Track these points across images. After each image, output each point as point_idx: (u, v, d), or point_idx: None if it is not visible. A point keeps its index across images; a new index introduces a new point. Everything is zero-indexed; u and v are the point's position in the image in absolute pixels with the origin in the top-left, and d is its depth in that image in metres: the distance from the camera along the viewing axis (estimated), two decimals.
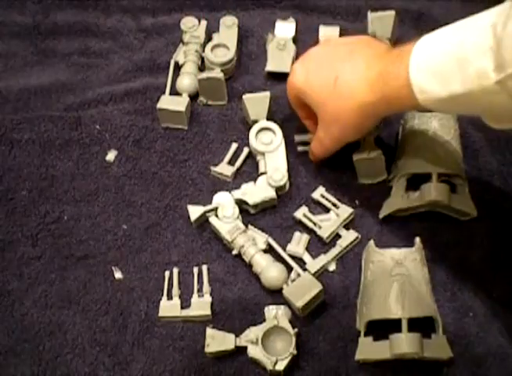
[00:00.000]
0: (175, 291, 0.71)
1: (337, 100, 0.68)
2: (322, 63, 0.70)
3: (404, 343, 0.62)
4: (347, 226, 0.74)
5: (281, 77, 0.84)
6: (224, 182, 0.78)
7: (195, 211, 0.74)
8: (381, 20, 0.84)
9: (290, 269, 0.70)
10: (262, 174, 0.76)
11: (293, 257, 0.72)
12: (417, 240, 0.70)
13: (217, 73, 0.81)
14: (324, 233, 0.73)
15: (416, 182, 0.73)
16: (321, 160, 0.77)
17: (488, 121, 0.61)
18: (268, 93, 0.78)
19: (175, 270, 0.72)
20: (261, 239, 0.72)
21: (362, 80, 0.65)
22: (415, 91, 0.59)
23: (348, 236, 0.73)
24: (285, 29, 0.87)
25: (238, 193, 0.74)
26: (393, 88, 0.62)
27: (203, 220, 0.74)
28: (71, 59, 0.89)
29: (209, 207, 0.74)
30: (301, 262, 0.72)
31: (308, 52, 0.74)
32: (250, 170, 0.79)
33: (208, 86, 0.81)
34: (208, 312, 0.69)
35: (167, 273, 0.72)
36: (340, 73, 0.67)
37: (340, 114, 0.68)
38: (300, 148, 0.79)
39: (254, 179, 0.76)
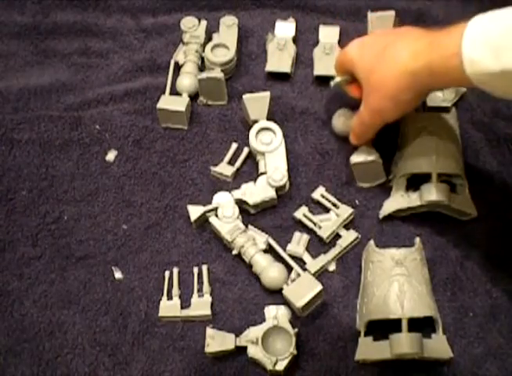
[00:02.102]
0: (175, 291, 0.71)
1: (382, 67, 0.68)
2: (377, 39, 0.72)
3: (404, 343, 0.62)
4: (347, 226, 0.74)
5: (281, 77, 0.85)
6: (224, 182, 0.78)
7: (195, 211, 0.74)
8: (381, 20, 0.84)
9: (290, 269, 0.70)
10: (262, 174, 0.76)
11: (293, 257, 0.72)
12: (417, 240, 0.70)
13: (217, 73, 0.81)
14: (324, 233, 0.73)
15: (416, 182, 0.73)
16: (361, 142, 0.75)
17: None
18: (268, 93, 0.78)
19: (175, 270, 0.72)
20: (261, 239, 0.72)
21: (409, 48, 0.65)
22: (464, 62, 0.57)
23: (348, 236, 0.73)
24: (285, 29, 0.87)
25: (238, 193, 0.74)
26: (440, 57, 0.60)
27: (203, 220, 0.74)
28: (71, 59, 0.89)
29: (209, 207, 0.74)
30: (301, 262, 0.72)
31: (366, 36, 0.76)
32: (250, 170, 0.79)
33: (208, 86, 0.81)
34: (208, 312, 0.69)
35: (167, 273, 0.72)
36: (390, 43, 0.68)
37: (381, 82, 0.68)
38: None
39: (254, 179, 0.76)
